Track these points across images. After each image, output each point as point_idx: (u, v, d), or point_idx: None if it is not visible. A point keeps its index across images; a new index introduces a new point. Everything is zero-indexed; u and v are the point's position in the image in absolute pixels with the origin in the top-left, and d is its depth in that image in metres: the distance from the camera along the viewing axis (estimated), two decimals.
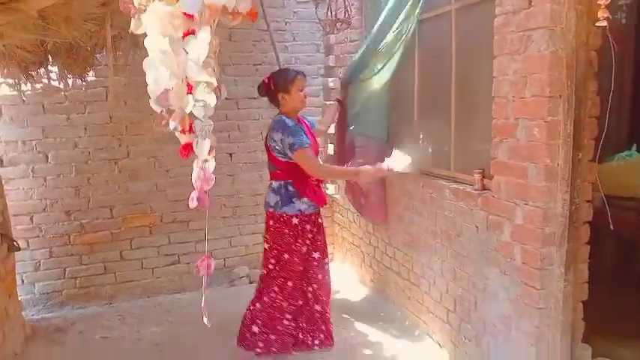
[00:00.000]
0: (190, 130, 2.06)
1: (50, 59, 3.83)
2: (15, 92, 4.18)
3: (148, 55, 1.79)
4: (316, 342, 3.59)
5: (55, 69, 4.02)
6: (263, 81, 3.42)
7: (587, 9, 2.45)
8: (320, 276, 3.55)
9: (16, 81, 4.05)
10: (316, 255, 3.50)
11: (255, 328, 3.44)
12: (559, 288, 2.62)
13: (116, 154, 4.61)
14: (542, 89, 2.50)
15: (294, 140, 3.22)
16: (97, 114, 4.51)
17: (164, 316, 4.34)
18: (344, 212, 5.11)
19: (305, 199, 3.34)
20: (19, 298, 4.03)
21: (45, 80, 4.17)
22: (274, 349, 3.47)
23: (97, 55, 3.96)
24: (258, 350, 3.46)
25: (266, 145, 3.40)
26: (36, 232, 4.46)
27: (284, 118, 3.33)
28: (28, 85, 4.15)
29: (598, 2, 2.25)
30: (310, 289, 3.52)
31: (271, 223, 3.38)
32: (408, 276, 3.92)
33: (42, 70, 3.95)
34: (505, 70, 2.72)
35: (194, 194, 2.17)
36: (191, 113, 1.99)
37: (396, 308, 4.12)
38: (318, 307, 3.56)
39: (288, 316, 3.47)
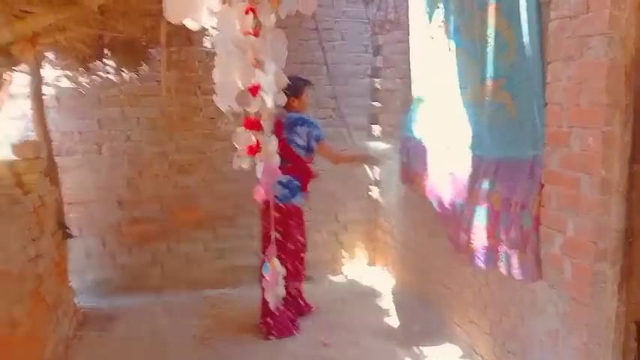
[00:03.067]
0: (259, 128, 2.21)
1: (107, 53, 3.96)
2: (73, 85, 4.33)
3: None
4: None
5: (111, 63, 4.15)
6: None
7: None
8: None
9: (74, 74, 4.21)
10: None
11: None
12: (611, 306, 2.50)
13: (166, 149, 4.70)
14: (598, 98, 2.38)
15: (319, 132, 3.84)
16: (149, 108, 4.61)
17: (208, 310, 4.40)
18: (387, 217, 5.05)
19: (303, 194, 3.94)
20: (71, 285, 4.16)
21: (101, 73, 4.30)
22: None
23: (151, 50, 4.06)
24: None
25: (281, 141, 3.67)
26: (89, 221, 4.60)
27: (302, 115, 3.87)
28: (85, 77, 4.30)
29: None
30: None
31: (277, 215, 3.70)
32: (452, 284, 3.84)
33: (99, 63, 4.08)
34: (559, 76, 2.61)
35: (260, 187, 2.33)
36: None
37: (438, 316, 4.03)
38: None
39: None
